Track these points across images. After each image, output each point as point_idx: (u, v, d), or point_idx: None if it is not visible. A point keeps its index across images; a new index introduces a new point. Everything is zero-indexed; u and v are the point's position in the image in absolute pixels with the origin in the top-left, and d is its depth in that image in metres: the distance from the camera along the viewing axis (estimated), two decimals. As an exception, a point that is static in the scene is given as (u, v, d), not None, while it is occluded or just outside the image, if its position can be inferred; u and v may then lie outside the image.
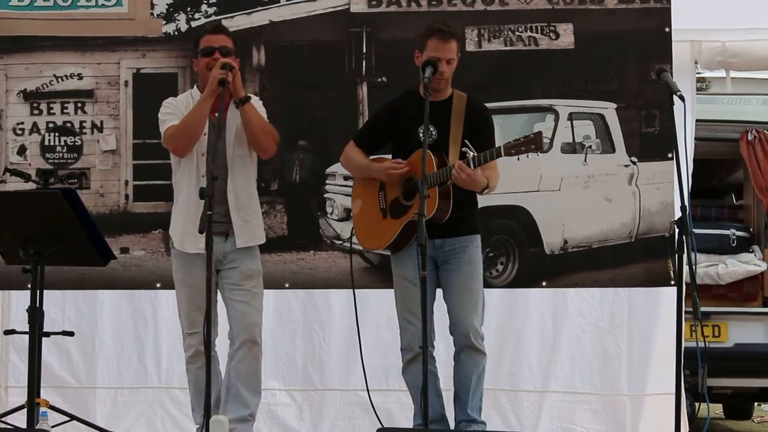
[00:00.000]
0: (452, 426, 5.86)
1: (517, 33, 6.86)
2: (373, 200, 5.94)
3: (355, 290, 6.18)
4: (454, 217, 5.74)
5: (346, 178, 6.83)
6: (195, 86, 6.01)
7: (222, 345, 5.93)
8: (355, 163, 5.99)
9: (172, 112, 5.88)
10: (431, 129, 5.70)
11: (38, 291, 5.64)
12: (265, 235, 5.99)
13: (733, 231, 8.59)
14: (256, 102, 5.92)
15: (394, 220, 5.82)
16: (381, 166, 5.86)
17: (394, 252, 5.87)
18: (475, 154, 5.58)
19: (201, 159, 5.79)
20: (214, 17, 6.89)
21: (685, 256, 5.44)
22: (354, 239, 6.07)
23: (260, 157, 5.97)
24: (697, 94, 7.42)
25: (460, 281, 5.78)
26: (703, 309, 5.55)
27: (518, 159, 5.69)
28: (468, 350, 5.77)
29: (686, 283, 5.61)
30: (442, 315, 5.85)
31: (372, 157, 5.97)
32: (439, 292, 5.87)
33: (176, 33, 6.95)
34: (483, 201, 6.13)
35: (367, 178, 5.96)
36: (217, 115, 5.66)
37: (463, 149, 5.65)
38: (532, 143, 5.50)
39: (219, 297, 5.94)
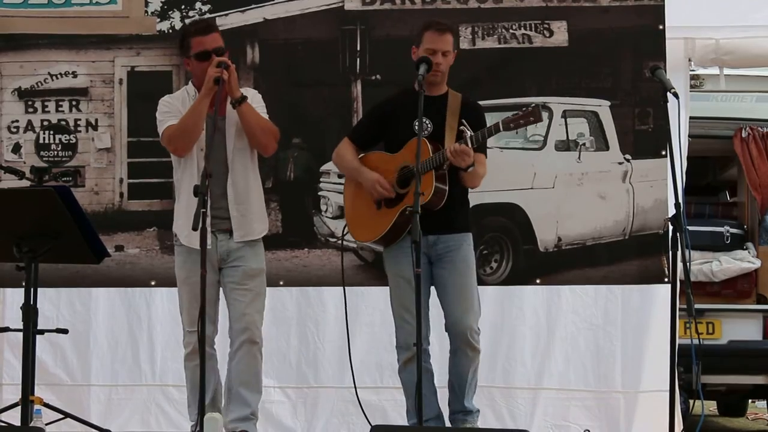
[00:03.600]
0: (447, 414, 5.88)
1: (510, 31, 6.86)
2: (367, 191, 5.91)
3: (349, 288, 6.15)
4: (448, 214, 5.74)
5: (340, 176, 6.82)
6: (190, 82, 5.98)
7: (221, 343, 5.93)
8: (346, 163, 6.01)
9: (169, 110, 5.86)
10: (426, 122, 5.74)
11: (32, 288, 5.63)
12: (265, 229, 5.95)
13: (727, 228, 8.58)
14: (254, 96, 5.90)
15: (389, 210, 5.80)
16: (371, 176, 5.83)
17: (387, 245, 5.86)
18: (473, 133, 5.62)
19: (201, 155, 5.75)
20: (208, 15, 6.88)
21: (679, 253, 5.45)
22: (347, 235, 6.07)
23: (261, 155, 5.95)
24: (690, 91, 7.42)
25: (456, 280, 5.79)
26: (697, 306, 5.56)
27: (516, 132, 5.94)
28: (465, 349, 5.80)
29: (680, 281, 5.62)
30: (437, 312, 5.86)
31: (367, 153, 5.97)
32: (432, 289, 5.88)
33: (170, 31, 6.94)
34: (477, 198, 6.16)
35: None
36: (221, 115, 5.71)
37: (461, 128, 5.67)
38: (531, 116, 5.58)
39: (222, 295, 5.92)
